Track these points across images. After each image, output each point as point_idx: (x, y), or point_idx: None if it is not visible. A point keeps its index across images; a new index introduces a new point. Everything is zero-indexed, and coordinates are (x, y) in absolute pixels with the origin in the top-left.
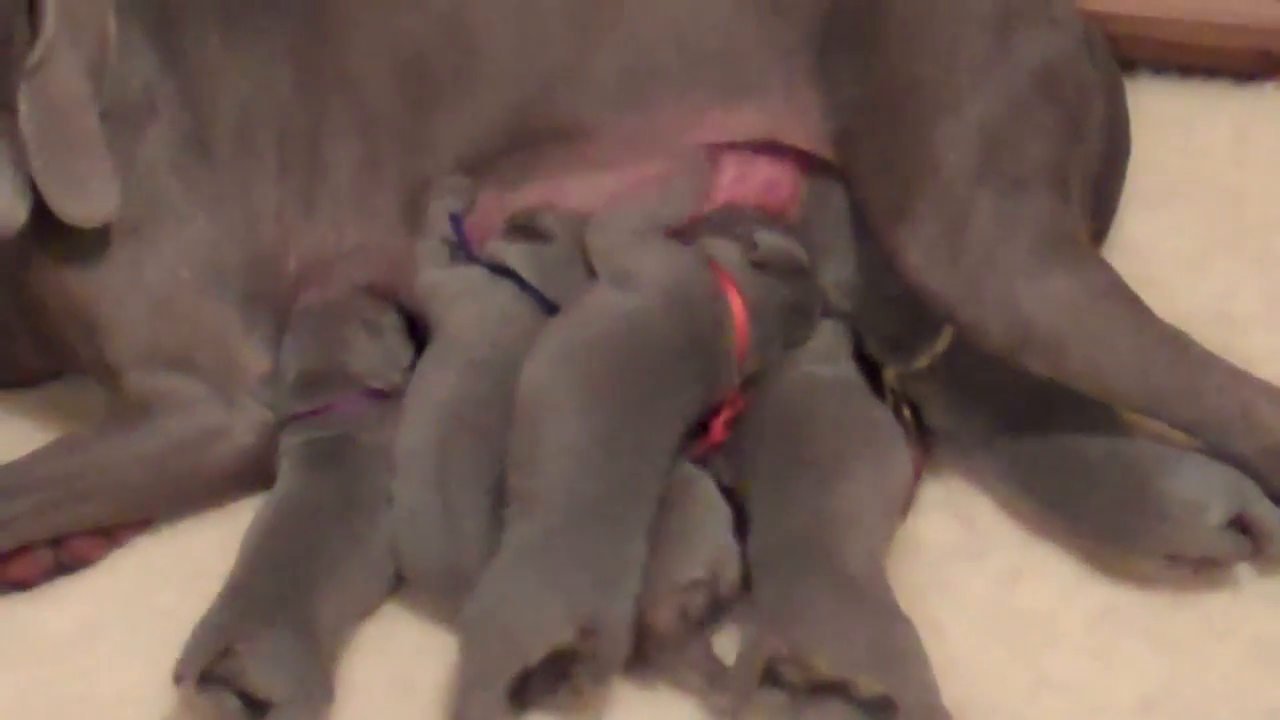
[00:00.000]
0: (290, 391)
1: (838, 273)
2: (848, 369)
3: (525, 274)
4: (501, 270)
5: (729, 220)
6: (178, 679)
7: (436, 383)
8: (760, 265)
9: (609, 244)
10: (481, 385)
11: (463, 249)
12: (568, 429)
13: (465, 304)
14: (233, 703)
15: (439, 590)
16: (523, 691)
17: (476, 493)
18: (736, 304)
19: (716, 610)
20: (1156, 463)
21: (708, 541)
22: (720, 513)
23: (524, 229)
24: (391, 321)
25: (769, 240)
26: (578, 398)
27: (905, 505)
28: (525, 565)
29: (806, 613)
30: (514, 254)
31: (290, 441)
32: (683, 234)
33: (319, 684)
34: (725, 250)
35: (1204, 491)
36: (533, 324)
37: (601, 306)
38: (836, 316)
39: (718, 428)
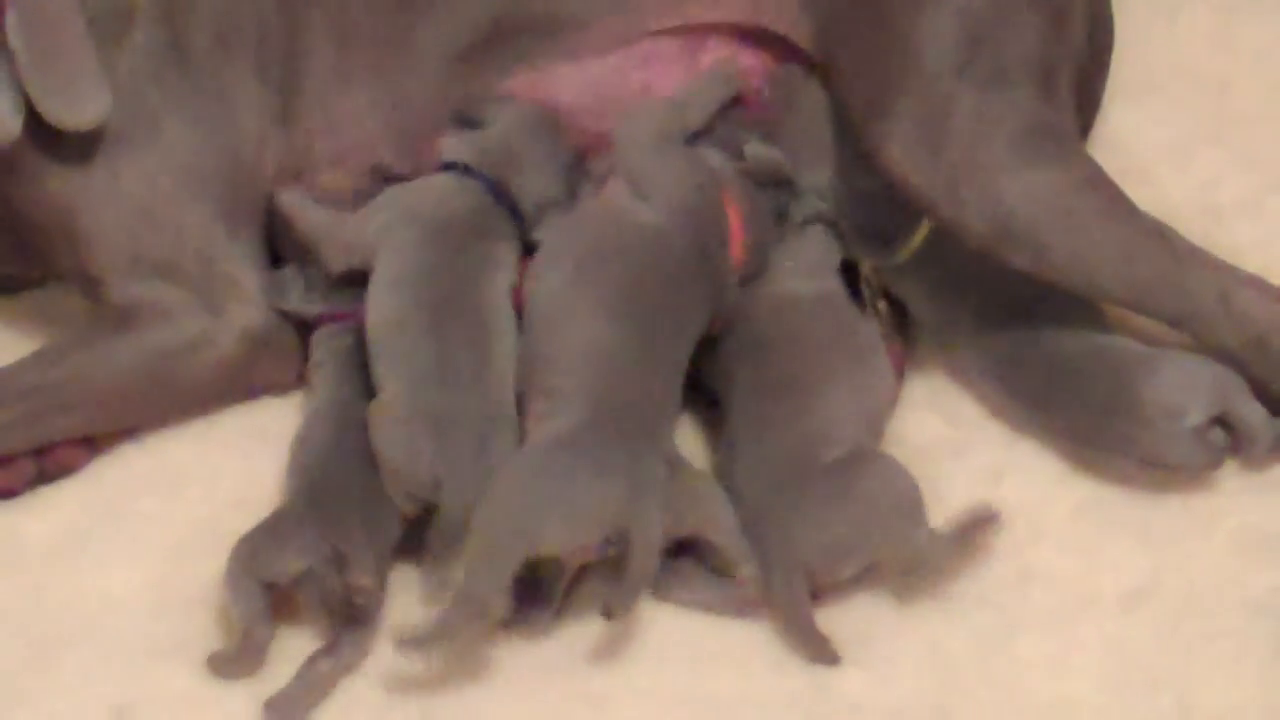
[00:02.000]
0: (320, 295)
1: (814, 173)
2: (832, 282)
3: (465, 159)
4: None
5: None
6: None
7: (402, 259)
8: (749, 175)
9: (633, 146)
10: (446, 250)
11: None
12: (596, 331)
13: (409, 193)
14: (258, 605)
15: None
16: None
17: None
18: (734, 216)
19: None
20: (1138, 363)
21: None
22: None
23: (464, 118)
24: None
25: (758, 152)
26: (602, 303)
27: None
28: (557, 459)
29: (814, 528)
30: (450, 146)
31: (321, 350)
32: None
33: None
34: (716, 161)
35: (1184, 394)
36: (478, 200)
37: (618, 215)
38: (817, 220)
39: None
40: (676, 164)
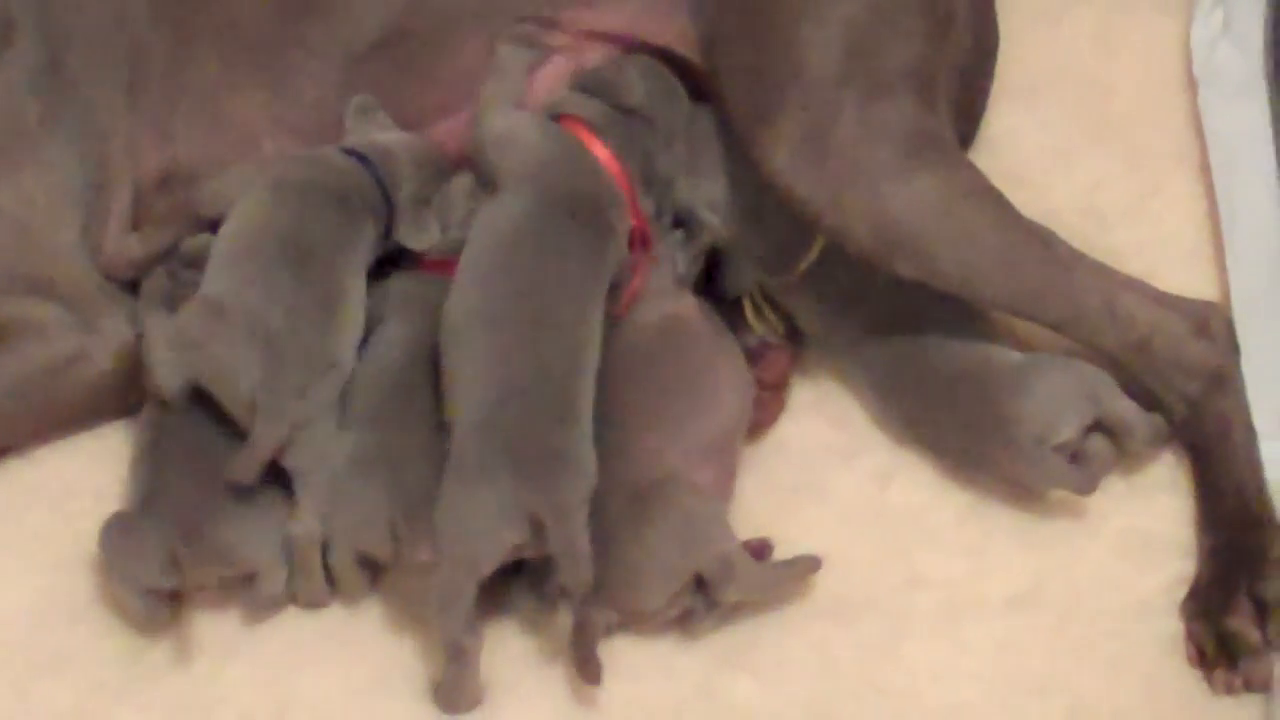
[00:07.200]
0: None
1: (709, 191)
2: (682, 304)
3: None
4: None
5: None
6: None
7: (258, 210)
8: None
9: (476, 143)
10: (305, 209)
11: None
12: (471, 349)
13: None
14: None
15: None
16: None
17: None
18: (602, 152)
19: None
20: (1011, 379)
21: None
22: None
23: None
24: None
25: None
26: (480, 317)
27: (761, 428)
28: (452, 481)
29: (621, 572)
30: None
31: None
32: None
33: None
34: (576, 101)
35: (1052, 412)
36: (358, 178)
37: (481, 224)
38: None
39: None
40: (518, 135)
